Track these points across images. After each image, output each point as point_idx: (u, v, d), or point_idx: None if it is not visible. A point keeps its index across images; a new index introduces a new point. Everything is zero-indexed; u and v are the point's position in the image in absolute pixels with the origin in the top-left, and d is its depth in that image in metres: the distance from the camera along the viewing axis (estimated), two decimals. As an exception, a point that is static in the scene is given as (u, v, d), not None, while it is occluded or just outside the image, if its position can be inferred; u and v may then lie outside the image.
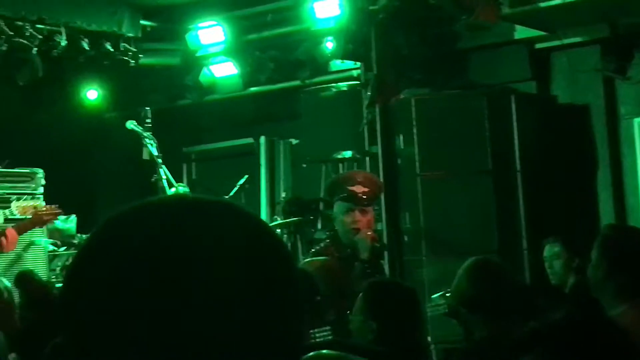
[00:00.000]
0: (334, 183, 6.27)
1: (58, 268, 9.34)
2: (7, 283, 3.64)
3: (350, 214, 5.90)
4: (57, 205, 6.78)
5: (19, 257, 8.85)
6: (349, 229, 5.87)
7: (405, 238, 8.39)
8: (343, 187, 5.97)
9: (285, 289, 1.40)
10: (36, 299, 3.56)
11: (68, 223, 9.91)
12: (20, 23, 9.61)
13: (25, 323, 3.38)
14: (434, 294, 5.77)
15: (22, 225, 6.62)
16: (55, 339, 3.16)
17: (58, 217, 6.72)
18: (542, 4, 7.99)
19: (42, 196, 9.01)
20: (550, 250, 7.12)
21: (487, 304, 4.02)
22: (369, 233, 6.03)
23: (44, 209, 6.60)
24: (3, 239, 6.25)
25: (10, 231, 6.34)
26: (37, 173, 9.10)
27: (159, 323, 1.31)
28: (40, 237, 9.05)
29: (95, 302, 1.35)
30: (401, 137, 8.52)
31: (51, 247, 9.28)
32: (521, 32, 8.91)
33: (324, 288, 4.36)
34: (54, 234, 9.57)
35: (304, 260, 5.05)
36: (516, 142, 8.18)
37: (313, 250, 6.03)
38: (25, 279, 3.72)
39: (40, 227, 6.83)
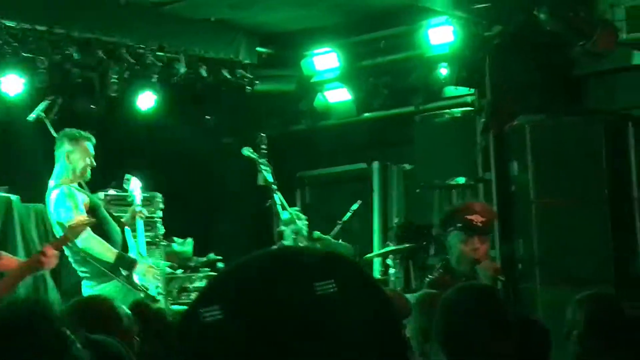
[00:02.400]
0: (452, 212, 6.26)
1: (175, 290, 9.54)
2: (127, 310, 3.72)
3: (469, 243, 5.90)
4: (88, 216, 6.83)
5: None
6: (468, 258, 5.87)
7: (519, 266, 8.31)
8: (461, 216, 5.98)
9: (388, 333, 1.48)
10: (153, 329, 3.62)
11: (185, 246, 10.13)
12: (141, 51, 9.89)
13: (144, 353, 3.44)
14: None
15: (59, 241, 6.69)
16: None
17: (86, 228, 6.75)
18: (661, 29, 7.87)
19: (160, 220, 9.24)
20: None
21: (600, 335, 3.98)
22: (492, 265, 6.03)
23: (76, 221, 6.65)
24: (42, 256, 6.33)
25: (49, 248, 6.42)
26: (155, 197, 9.33)
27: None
28: (157, 260, 9.27)
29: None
30: (515, 164, 8.46)
31: (168, 270, 9.50)
32: (639, 57, 8.76)
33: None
34: (171, 256, 9.79)
35: (419, 293, 5.05)
36: (634, 169, 8.04)
37: (427, 280, 6.03)
38: (141, 309, 3.79)
39: (75, 239, 6.85)
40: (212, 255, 10.14)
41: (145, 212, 7.66)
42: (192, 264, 9.97)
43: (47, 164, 7.36)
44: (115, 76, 9.73)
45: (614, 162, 8.05)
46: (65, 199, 7.06)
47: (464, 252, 5.89)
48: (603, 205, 7.98)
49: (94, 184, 7.89)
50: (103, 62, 9.65)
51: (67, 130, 7.35)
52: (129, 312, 3.65)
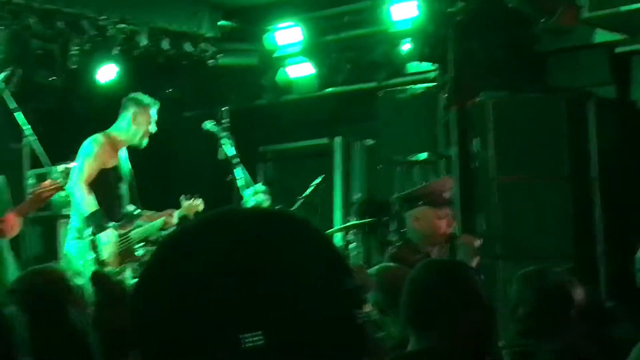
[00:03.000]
0: (429, 188, 6.30)
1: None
2: (78, 281, 3.70)
3: (445, 219, 6.00)
4: (56, 180, 6.79)
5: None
6: (440, 232, 5.94)
7: (480, 241, 8.35)
8: (440, 193, 6.06)
9: (346, 297, 1.46)
10: (113, 298, 3.60)
11: (145, 220, 10.06)
12: (103, 22, 9.79)
13: (102, 322, 3.42)
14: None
15: (22, 207, 6.56)
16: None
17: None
18: (623, 8, 7.87)
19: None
20: None
21: (550, 316, 3.99)
22: (473, 239, 6.07)
23: (41, 186, 6.55)
24: (2, 224, 6.20)
25: (10, 215, 6.27)
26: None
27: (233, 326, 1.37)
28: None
29: (165, 309, 1.41)
30: (477, 140, 8.48)
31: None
32: (601, 35, 8.79)
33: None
34: (131, 230, 9.74)
35: (380, 265, 5.05)
36: (594, 147, 8.08)
37: (389, 253, 6.04)
38: (100, 278, 3.76)
39: (41, 206, 6.82)
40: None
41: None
42: (152, 238, 9.90)
43: (7, 133, 7.28)
44: (76, 48, 9.64)
45: (575, 140, 8.09)
46: (92, 144, 7.18)
47: (438, 228, 5.95)
48: (564, 183, 8.02)
49: (53, 156, 7.80)
50: (64, 33, 9.54)
51: (138, 94, 7.74)
52: (79, 282, 3.62)
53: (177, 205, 7.88)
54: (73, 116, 10.59)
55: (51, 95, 10.21)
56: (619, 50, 9.01)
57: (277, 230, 1.49)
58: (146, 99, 7.60)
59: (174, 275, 1.44)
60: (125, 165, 7.59)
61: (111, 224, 7.27)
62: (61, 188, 6.77)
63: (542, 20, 8.18)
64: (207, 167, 8.89)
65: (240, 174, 7.64)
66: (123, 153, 7.62)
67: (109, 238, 7.15)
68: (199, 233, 1.49)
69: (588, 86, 8.82)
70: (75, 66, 9.70)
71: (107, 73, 10.11)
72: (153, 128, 7.51)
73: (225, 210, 1.55)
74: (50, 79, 10.00)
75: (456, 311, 3.15)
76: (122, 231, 7.34)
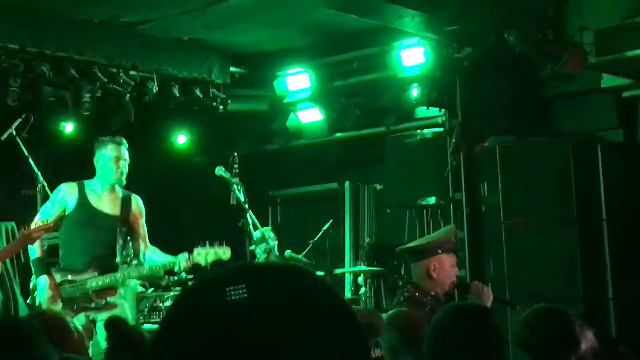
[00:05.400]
0: (442, 238, 6.35)
1: (146, 309, 9.52)
2: (77, 324, 3.74)
3: (456, 265, 6.10)
4: (45, 220, 6.75)
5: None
6: (453, 279, 6.02)
7: (489, 285, 8.36)
8: (451, 240, 6.14)
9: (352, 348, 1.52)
10: (128, 345, 3.64)
11: (156, 265, 10.08)
12: (114, 70, 9.90)
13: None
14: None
15: (10, 248, 6.59)
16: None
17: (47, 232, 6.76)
18: (629, 53, 7.95)
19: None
20: None
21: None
22: (484, 289, 6.08)
23: (31, 227, 6.52)
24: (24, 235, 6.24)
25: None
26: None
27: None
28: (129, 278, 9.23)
29: None
30: (485, 185, 8.53)
31: (140, 289, 9.47)
32: (608, 80, 8.86)
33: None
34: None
35: (395, 310, 5.10)
36: (602, 190, 8.13)
37: (401, 297, 6.06)
38: (116, 324, 3.79)
39: (30, 245, 6.78)
40: (183, 275, 10.11)
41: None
42: (163, 282, 9.93)
43: (19, 181, 7.34)
44: (88, 95, 9.73)
45: (582, 183, 8.13)
46: None
47: (451, 273, 6.03)
48: (571, 226, 8.06)
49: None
50: (75, 80, 9.65)
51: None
52: (79, 326, 3.67)
53: (191, 249, 7.73)
54: (84, 164, 10.65)
55: (63, 142, 10.30)
56: (625, 94, 9.08)
57: (293, 289, 1.56)
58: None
59: (188, 327, 1.52)
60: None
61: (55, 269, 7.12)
62: (51, 228, 6.74)
63: (548, 66, 8.26)
64: (218, 212, 8.94)
65: (249, 219, 7.68)
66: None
67: (45, 284, 6.95)
68: (216, 287, 1.56)
69: (595, 130, 8.88)
70: (87, 113, 9.79)
71: (118, 120, 10.19)
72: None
73: (242, 265, 1.63)
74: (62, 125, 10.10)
75: (476, 354, 3.19)
76: (72, 277, 7.11)
